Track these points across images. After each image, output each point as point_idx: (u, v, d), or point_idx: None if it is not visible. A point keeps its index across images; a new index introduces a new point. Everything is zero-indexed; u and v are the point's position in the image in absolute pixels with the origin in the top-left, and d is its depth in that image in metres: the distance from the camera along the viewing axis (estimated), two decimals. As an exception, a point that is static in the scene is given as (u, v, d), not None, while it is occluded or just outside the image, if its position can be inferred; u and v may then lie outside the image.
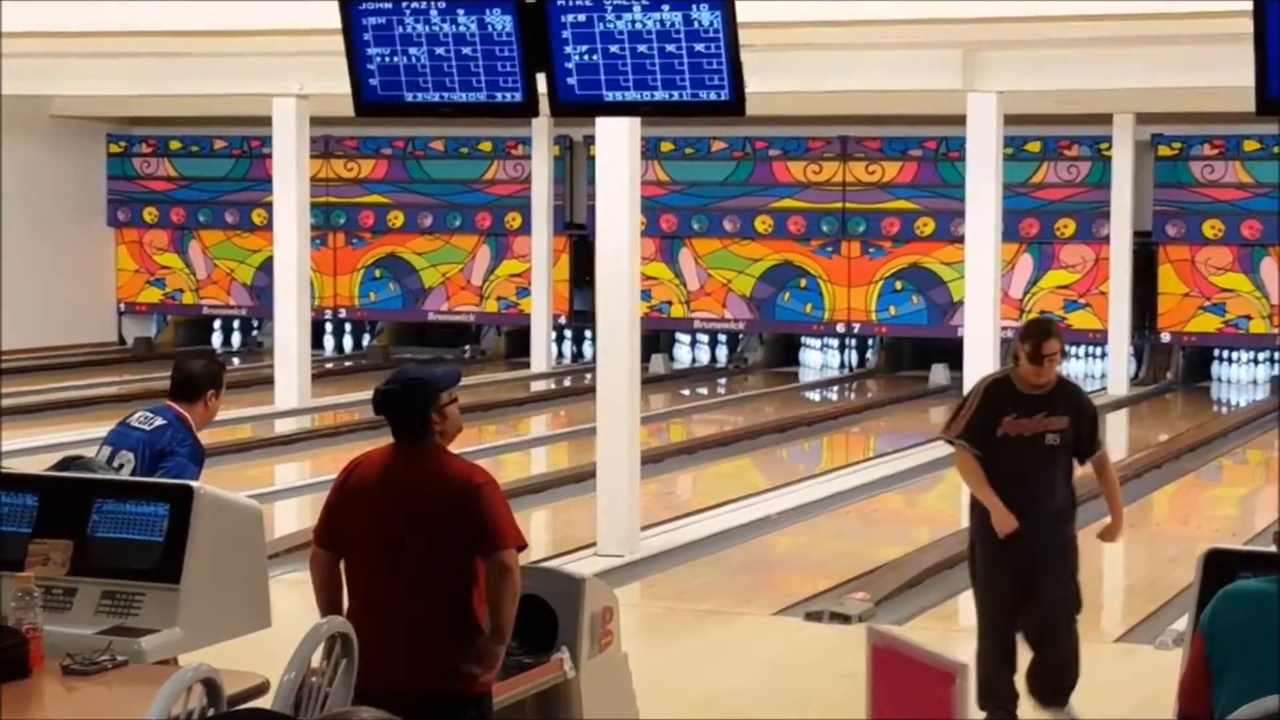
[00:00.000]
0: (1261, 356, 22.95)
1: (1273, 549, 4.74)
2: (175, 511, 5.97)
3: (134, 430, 7.11)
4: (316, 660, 5.13)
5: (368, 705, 3.51)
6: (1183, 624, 6.77)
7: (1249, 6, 6.37)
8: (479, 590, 5.61)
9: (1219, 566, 5.32)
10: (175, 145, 25.82)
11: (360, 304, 25.61)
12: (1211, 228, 22.15)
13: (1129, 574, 12.09)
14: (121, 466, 6.96)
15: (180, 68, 16.37)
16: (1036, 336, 7.79)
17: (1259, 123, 20.06)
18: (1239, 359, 23.11)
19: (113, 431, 7.20)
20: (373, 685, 5.34)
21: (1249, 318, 22.23)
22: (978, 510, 7.87)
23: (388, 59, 6.77)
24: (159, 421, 7.10)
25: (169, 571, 5.88)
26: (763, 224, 23.73)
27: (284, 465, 16.27)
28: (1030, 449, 7.76)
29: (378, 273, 25.47)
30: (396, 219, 25.27)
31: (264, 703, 4.96)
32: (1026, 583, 7.78)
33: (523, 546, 5.66)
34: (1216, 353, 23.19)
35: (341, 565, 5.79)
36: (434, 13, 6.68)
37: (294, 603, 7.52)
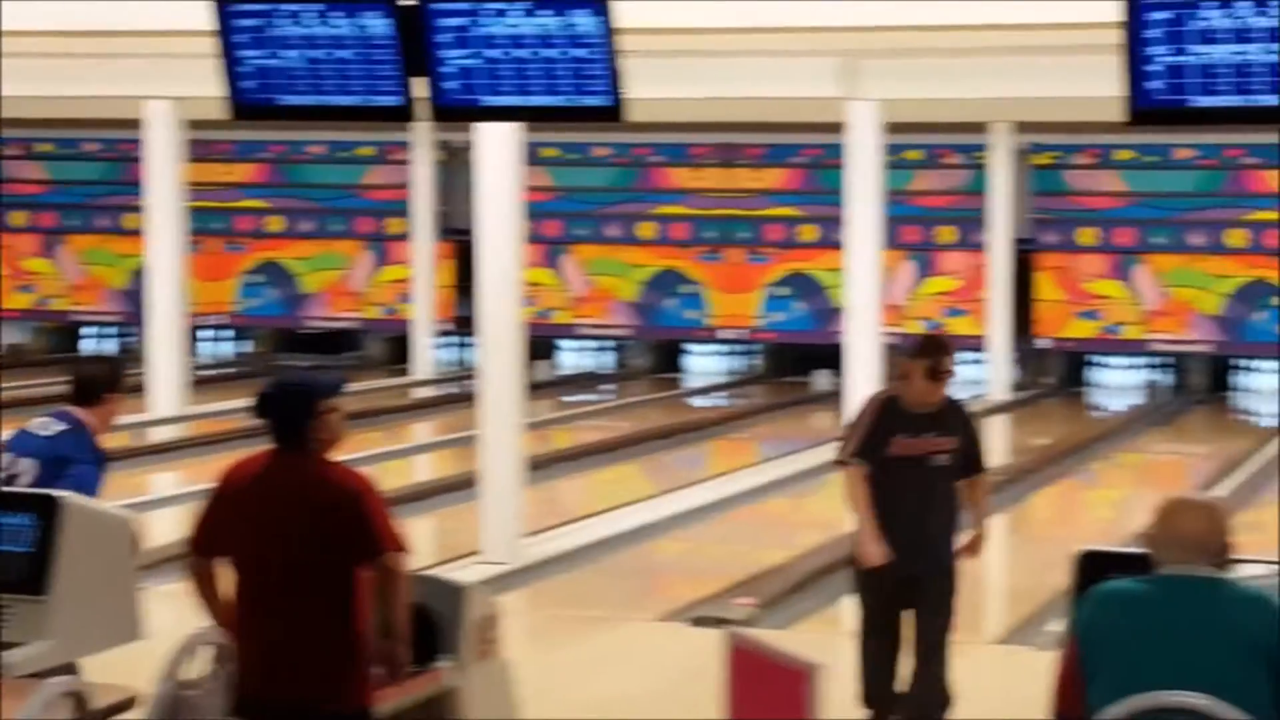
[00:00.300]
0: (1136, 362, 23.25)
1: (1145, 550, 4.79)
2: (42, 522, 5.87)
3: (34, 437, 7.05)
4: (198, 671, 5.07)
5: (248, 717, 3.47)
6: (1059, 625, 6.82)
7: (1120, 19, 6.46)
8: (359, 599, 5.56)
9: (1092, 568, 5.38)
10: (45, 148, 25.46)
11: (238, 310, 25.39)
12: (1087, 236, 22.41)
13: (1008, 577, 12.19)
14: (18, 475, 6.89)
15: (51, 69, 16.09)
16: (935, 354, 7.51)
17: (1133, 132, 20.29)
18: (1114, 364, 23.40)
19: (13, 438, 7.13)
20: (255, 696, 5.29)
21: (1124, 324, 22.49)
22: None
23: (262, 62, 6.71)
24: (58, 427, 7.05)
25: (36, 583, 5.79)
26: (646, 230, 23.76)
27: (159, 474, 16.08)
28: (918, 470, 7.53)
29: (256, 279, 25.26)
30: (275, 224, 25.08)
31: (135, 716, 4.90)
32: (910, 608, 7.60)
33: (405, 551, 5.63)
34: (1092, 358, 23.45)
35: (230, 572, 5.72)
36: (309, 15, 6.64)
37: (169, 614, 7.41)
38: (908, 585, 7.54)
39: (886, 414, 7.56)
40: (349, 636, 5.55)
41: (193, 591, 5.76)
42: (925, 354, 7.50)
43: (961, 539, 7.73)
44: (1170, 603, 4.60)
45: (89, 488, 6.84)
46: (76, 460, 6.95)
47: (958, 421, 7.66)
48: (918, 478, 7.52)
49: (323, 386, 5.71)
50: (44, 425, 7.09)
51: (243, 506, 5.64)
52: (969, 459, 7.66)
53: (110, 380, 7.22)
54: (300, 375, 5.87)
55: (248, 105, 6.84)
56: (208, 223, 24.98)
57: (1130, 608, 4.64)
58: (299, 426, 5.61)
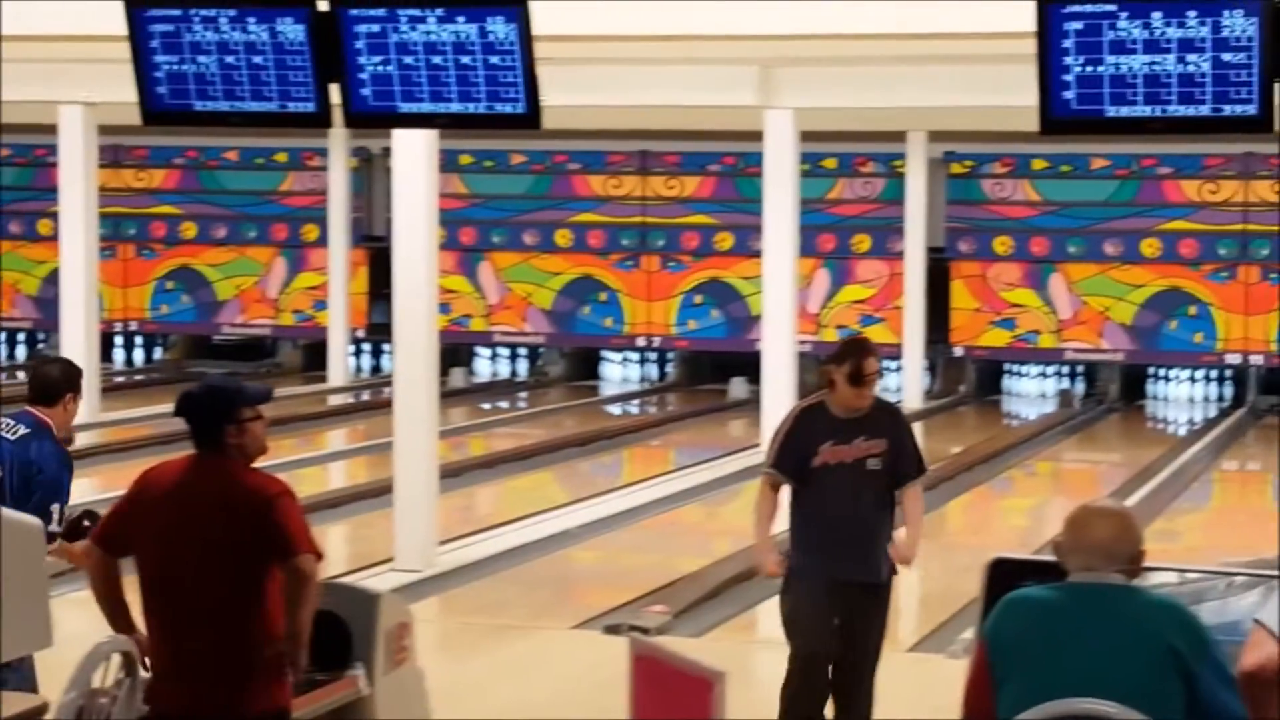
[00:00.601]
0: (1050, 370, 23.42)
1: (1056, 558, 4.81)
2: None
3: (1, 440, 7.05)
4: (104, 679, 5.03)
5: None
6: (972, 632, 6.82)
7: (1033, 29, 6.51)
8: (274, 606, 5.54)
9: (1003, 575, 5.40)
10: (-45, 154, 25.25)
11: (151, 317, 25.23)
12: (1002, 244, 22.55)
13: (922, 584, 12.23)
14: None
15: (-37, 74, 16.00)
16: (856, 356, 7.33)
17: (1048, 142, 20.48)
18: (1028, 373, 23.58)
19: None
20: (168, 705, 5.25)
21: (1038, 333, 22.65)
22: (796, 541, 7.45)
23: (176, 67, 6.67)
24: (22, 430, 7.08)
25: (-56, 591, 5.72)
26: (563, 238, 23.76)
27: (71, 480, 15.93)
28: (851, 476, 7.32)
29: (170, 285, 25.10)
30: (189, 230, 24.94)
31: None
32: (843, 621, 7.38)
33: (319, 556, 5.60)
34: (1007, 367, 23.61)
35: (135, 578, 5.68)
36: (224, 20, 6.60)
37: (79, 622, 7.35)
38: (841, 595, 7.33)
39: (810, 422, 7.37)
40: (261, 640, 5.51)
41: (94, 589, 5.71)
42: (846, 357, 7.33)
43: (895, 546, 7.55)
44: (1080, 610, 4.61)
45: (62, 493, 6.99)
46: (43, 469, 7.02)
47: (888, 424, 7.48)
48: (850, 484, 7.32)
49: (249, 394, 5.69)
50: (8, 427, 7.10)
51: (157, 509, 5.59)
52: (902, 462, 7.47)
53: (70, 382, 7.27)
54: (227, 381, 5.85)
55: (162, 111, 6.80)
56: (122, 229, 24.83)
57: (1040, 615, 4.65)
58: (218, 430, 5.58)
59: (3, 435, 7.09)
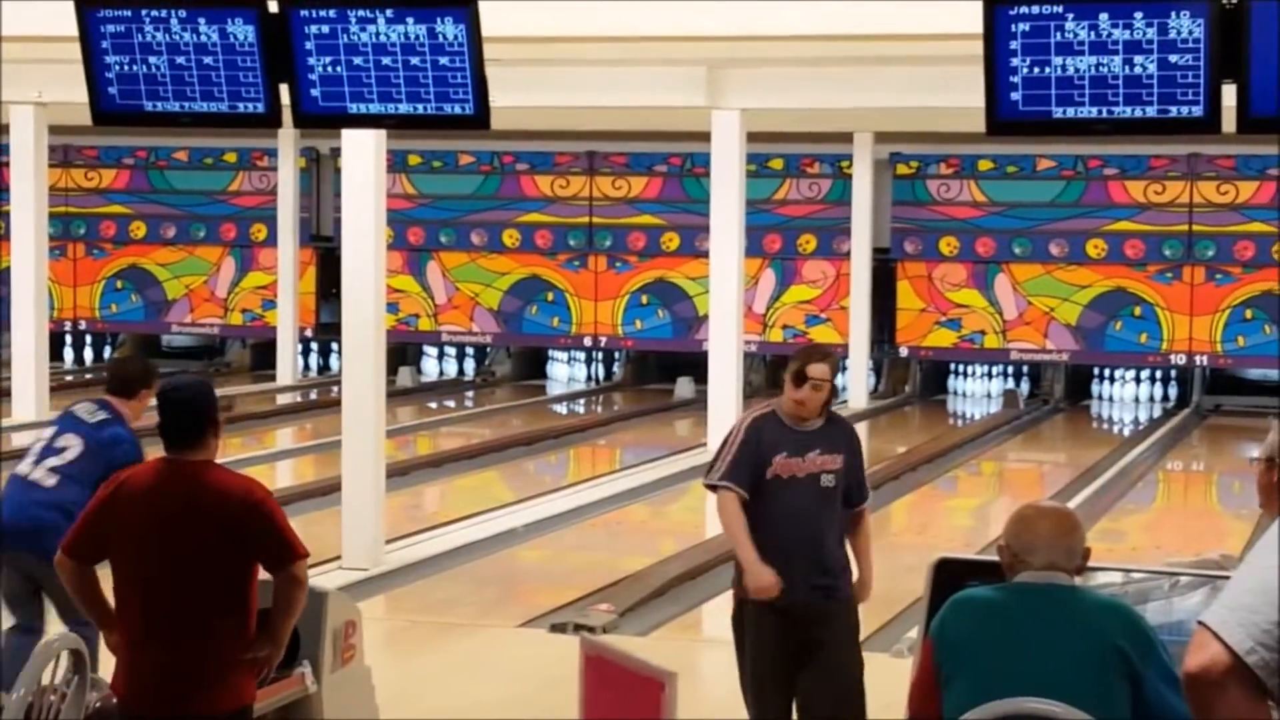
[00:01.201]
0: (995, 370, 23.54)
1: (1000, 558, 4.84)
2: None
3: (81, 422, 7.85)
4: (53, 677, 5.04)
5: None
6: (917, 632, 6.77)
7: (980, 30, 6.55)
8: (252, 608, 5.53)
9: (948, 575, 5.43)
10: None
11: (101, 316, 25.14)
12: (947, 245, 22.64)
13: (868, 584, 12.28)
14: (65, 449, 7.75)
15: (-88, 73, 15.94)
16: (804, 358, 6.83)
17: (992, 143, 20.58)
18: (974, 373, 23.68)
19: (62, 417, 8.01)
20: (141, 706, 5.25)
21: (983, 333, 22.75)
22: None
23: (127, 67, 6.68)
24: (101, 415, 7.86)
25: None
26: (510, 238, 23.76)
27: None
28: (805, 491, 6.75)
29: (119, 284, 25.03)
30: (139, 230, 24.86)
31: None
32: (804, 648, 6.76)
33: (308, 555, 5.62)
34: (952, 367, 23.72)
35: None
36: (174, 21, 6.61)
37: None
38: (801, 624, 6.75)
39: (762, 432, 6.80)
40: (238, 643, 5.51)
41: (75, 596, 5.67)
42: (795, 359, 6.88)
43: (853, 586, 7.00)
44: (1027, 611, 4.64)
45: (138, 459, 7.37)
46: (119, 443, 7.70)
47: (843, 439, 6.95)
48: (805, 500, 6.77)
49: (210, 389, 5.73)
50: (88, 411, 7.91)
51: (133, 513, 5.54)
52: (852, 484, 6.95)
53: (145, 378, 7.98)
54: (190, 379, 5.91)
55: (112, 111, 6.81)
56: (72, 228, 24.74)
57: (986, 616, 4.67)
58: (200, 430, 5.57)
59: (81, 416, 7.84)
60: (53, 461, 7.71)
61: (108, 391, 8.02)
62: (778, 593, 6.67)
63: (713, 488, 6.84)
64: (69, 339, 25.41)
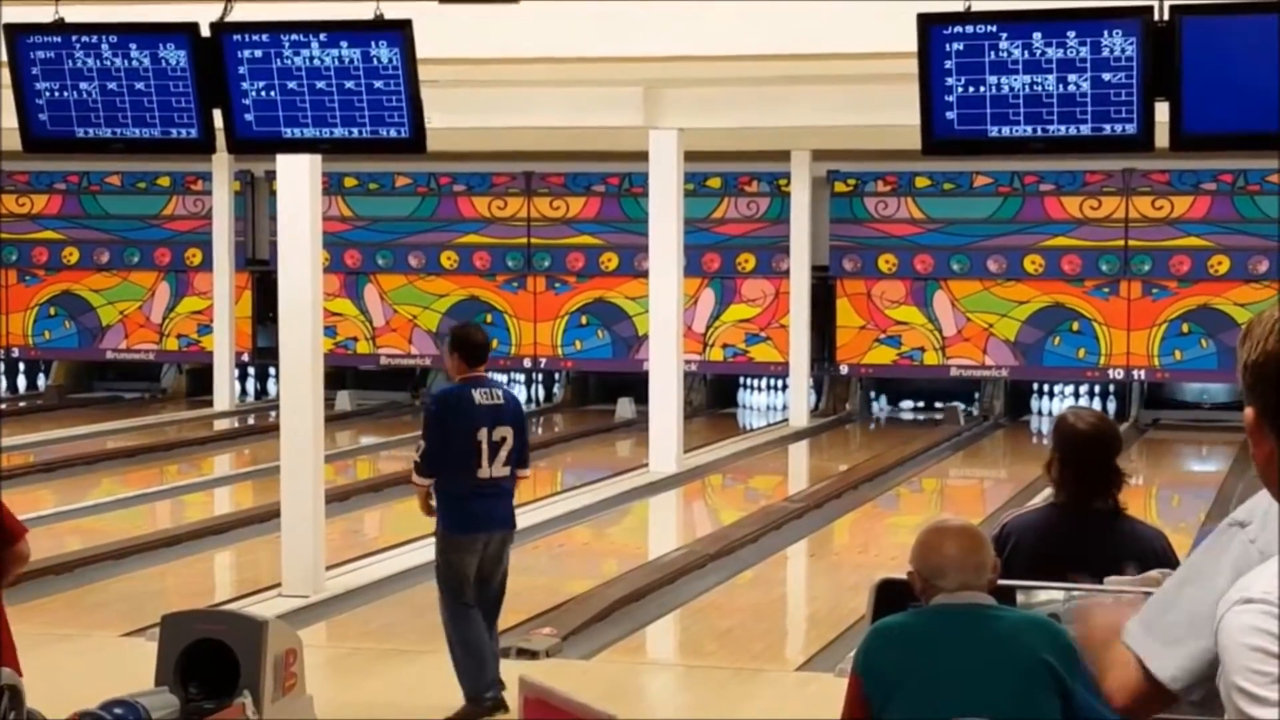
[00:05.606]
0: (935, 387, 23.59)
1: (910, 580, 4.79)
2: None
3: (499, 408, 8.40)
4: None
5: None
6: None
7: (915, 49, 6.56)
8: None
9: (891, 596, 5.41)
10: None
11: (34, 343, 24.95)
12: (886, 262, 22.69)
13: (810, 603, 12.29)
14: (504, 439, 8.35)
15: None
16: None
17: (930, 160, 20.64)
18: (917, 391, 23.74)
19: (481, 413, 8.44)
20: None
21: (923, 349, 22.81)
22: None
23: (57, 94, 6.62)
24: (499, 391, 8.54)
25: None
26: (448, 259, 23.70)
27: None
28: None
29: (52, 310, 24.83)
30: (71, 255, 24.69)
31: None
32: None
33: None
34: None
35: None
36: (105, 47, 6.56)
37: None
38: None
39: None
40: None
41: None
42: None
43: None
44: (951, 634, 4.61)
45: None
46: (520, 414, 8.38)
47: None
48: None
49: None
50: (487, 395, 8.47)
51: None
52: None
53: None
54: None
55: (43, 138, 6.74)
56: (3, 254, 24.57)
57: (910, 642, 4.63)
58: None
59: (490, 403, 8.35)
60: None
61: (474, 365, 8.49)
62: None
63: None
64: (2, 366, 25.21)
